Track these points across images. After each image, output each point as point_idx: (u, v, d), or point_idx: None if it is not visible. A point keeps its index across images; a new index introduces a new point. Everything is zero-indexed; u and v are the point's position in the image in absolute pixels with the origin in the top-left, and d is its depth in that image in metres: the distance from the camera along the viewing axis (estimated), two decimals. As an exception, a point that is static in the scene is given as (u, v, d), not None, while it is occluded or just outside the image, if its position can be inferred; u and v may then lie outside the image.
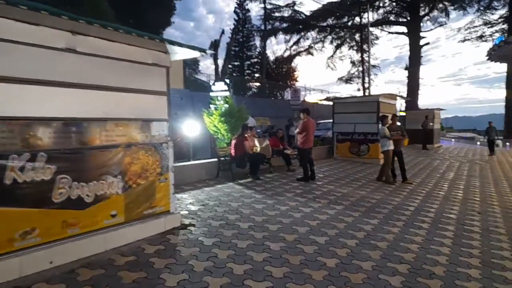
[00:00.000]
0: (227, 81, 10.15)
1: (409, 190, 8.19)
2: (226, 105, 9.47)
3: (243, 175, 8.61)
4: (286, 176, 9.14)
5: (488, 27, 35.91)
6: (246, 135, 8.49)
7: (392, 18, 34.88)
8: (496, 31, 36.11)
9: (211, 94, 10.21)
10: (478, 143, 25.33)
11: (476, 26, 36.51)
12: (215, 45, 24.38)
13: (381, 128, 8.97)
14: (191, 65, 40.65)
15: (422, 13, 32.37)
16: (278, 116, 22.20)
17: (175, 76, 24.40)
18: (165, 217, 4.67)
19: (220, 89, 10.03)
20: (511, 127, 35.99)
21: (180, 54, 4.80)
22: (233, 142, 8.48)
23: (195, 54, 4.69)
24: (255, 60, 43.86)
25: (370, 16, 29.45)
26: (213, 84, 10.28)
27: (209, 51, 4.66)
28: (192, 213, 5.54)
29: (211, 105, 9.89)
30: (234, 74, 38.85)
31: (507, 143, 24.47)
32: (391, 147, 8.87)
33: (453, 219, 6.00)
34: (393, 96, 13.89)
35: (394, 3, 33.80)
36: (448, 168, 12.35)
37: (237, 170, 8.51)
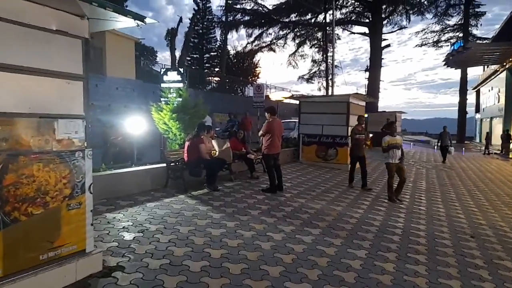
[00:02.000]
0: (181, 70, 8.57)
1: (387, 205, 7.21)
2: (179, 99, 7.96)
3: (198, 184, 7.16)
4: (249, 185, 7.81)
5: (444, 33, 37.17)
6: (202, 137, 7.04)
7: (354, 18, 34.71)
8: (451, 38, 37.48)
9: (163, 85, 8.58)
10: (435, 147, 25.58)
11: (432, 32, 37.64)
12: (172, 33, 22.41)
13: (385, 138, 7.64)
14: (147, 55, 38.29)
15: (384, 15, 32.39)
16: (239, 113, 20.85)
17: (125, 64, 22.25)
18: (77, 260, 3.16)
19: (172, 79, 8.44)
20: (463, 132, 37.51)
21: (108, 22, 3.30)
22: (187, 144, 7.01)
23: (128, 22, 3.21)
24: (215, 53, 42.15)
25: (333, 15, 28.91)
26: (165, 73, 8.64)
27: (150, 20, 3.21)
28: (124, 245, 4.04)
29: (161, 99, 8.34)
30: (193, 67, 36.90)
31: (463, 148, 24.96)
32: (393, 160, 7.51)
33: (449, 247, 5.01)
34: (362, 97, 13.06)
35: (356, 3, 33.59)
36: (417, 176, 11.70)
37: (190, 178, 7.05)
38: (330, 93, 26.97)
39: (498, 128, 30.38)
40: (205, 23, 40.68)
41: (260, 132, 7.40)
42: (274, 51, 38.25)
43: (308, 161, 11.89)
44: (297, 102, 13.55)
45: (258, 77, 40.72)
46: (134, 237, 4.28)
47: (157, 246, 4.07)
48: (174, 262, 3.69)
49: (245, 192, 7.10)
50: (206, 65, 42.15)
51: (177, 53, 23.85)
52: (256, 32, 35.62)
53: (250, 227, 4.99)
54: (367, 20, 33.34)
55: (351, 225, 5.56)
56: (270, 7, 34.70)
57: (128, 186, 6.25)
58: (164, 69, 8.95)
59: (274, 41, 37.66)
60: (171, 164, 6.92)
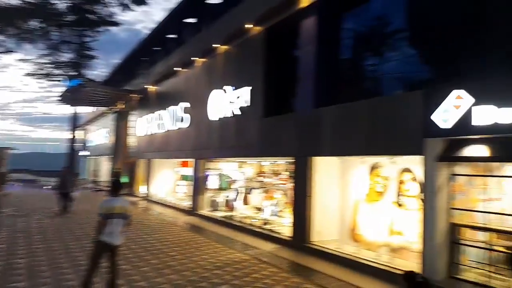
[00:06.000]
0: None
1: None
2: None
3: None
4: None
5: (57, 68, 35.94)
6: None
7: None
8: (63, 74, 36.79)
9: None
10: (45, 187, 23.63)
11: (40, 63, 35.22)
12: None
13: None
14: None
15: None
16: None
17: None
18: None
19: None
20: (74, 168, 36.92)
21: None
22: None
23: None
24: None
25: None
26: None
27: None
28: None
29: None
30: None
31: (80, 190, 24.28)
32: (106, 238, 4.87)
33: None
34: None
35: None
36: (46, 234, 9.68)
37: None
38: None
39: (106, 165, 32.41)
40: None
41: None
42: None
43: None
44: None
45: None
46: None
47: None
48: None
49: None
50: None
51: None
52: None
53: None
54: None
55: None
56: None
57: None
58: None
59: None
60: None
